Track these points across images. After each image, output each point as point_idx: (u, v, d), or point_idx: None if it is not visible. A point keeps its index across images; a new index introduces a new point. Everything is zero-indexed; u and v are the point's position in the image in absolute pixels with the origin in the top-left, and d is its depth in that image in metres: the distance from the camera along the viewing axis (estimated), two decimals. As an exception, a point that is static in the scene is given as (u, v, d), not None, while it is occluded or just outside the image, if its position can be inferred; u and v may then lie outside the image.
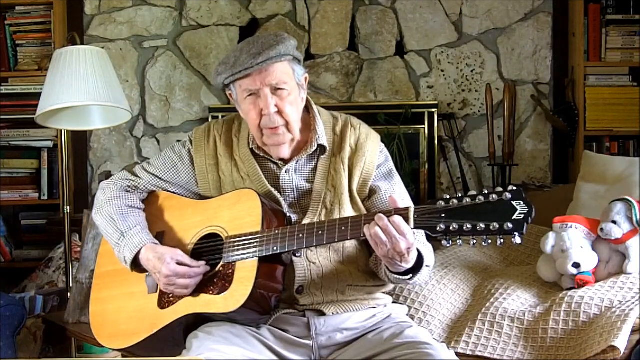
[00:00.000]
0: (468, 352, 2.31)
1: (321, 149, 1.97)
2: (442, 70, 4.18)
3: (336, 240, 1.76)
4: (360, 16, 4.17)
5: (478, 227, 1.59)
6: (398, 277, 1.81)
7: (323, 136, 1.97)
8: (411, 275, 1.81)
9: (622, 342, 2.15)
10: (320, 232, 1.76)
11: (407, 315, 2.10)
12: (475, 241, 1.62)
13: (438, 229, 1.63)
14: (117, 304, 2.01)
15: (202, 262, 1.89)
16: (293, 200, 1.94)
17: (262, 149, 1.97)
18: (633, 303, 2.29)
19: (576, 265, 2.44)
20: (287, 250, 1.79)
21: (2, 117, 3.87)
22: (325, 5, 4.17)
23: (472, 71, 4.17)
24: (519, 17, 4.15)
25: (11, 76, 3.93)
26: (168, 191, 2.06)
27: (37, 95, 2.99)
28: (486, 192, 1.61)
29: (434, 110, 4.08)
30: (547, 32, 4.14)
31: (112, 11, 4.20)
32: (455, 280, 2.57)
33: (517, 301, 2.41)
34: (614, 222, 2.49)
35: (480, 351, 2.30)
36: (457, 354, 2.12)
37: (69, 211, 3.12)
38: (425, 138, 4.08)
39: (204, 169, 2.01)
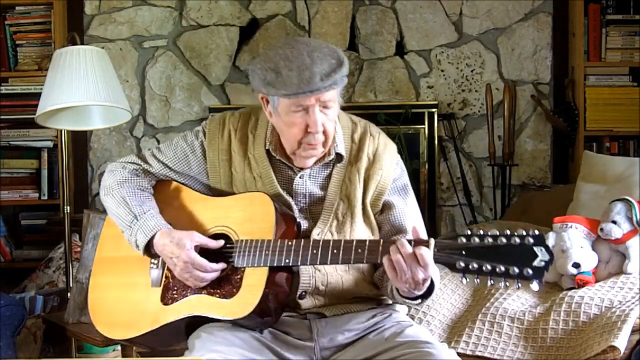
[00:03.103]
0: (468, 352, 2.31)
1: (338, 156, 1.92)
2: (442, 70, 4.18)
3: (351, 262, 1.74)
4: (360, 16, 4.17)
5: (497, 270, 1.58)
6: (407, 300, 1.81)
7: (341, 144, 1.92)
8: (420, 300, 1.80)
9: (622, 342, 2.15)
10: (335, 251, 1.73)
11: (407, 315, 2.10)
12: (492, 282, 1.61)
13: (457, 266, 1.61)
14: (118, 293, 1.97)
15: (222, 242, 1.85)
16: (304, 205, 1.91)
17: (279, 151, 1.91)
18: (633, 303, 2.29)
19: (576, 265, 2.44)
20: (299, 264, 1.77)
21: (2, 117, 3.87)
22: (325, 5, 4.17)
23: (472, 71, 4.17)
24: (519, 17, 4.15)
25: (11, 76, 3.92)
26: (177, 181, 2.01)
27: (37, 95, 2.99)
28: (508, 232, 1.59)
29: (434, 110, 4.08)
30: (547, 32, 4.14)
31: (112, 11, 4.20)
32: (455, 280, 2.57)
33: (517, 301, 2.41)
34: (614, 222, 2.49)
35: (480, 351, 2.31)
36: (457, 354, 2.11)
37: (69, 211, 3.12)
38: (425, 138, 4.08)
39: (215, 163, 1.96)
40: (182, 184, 2.01)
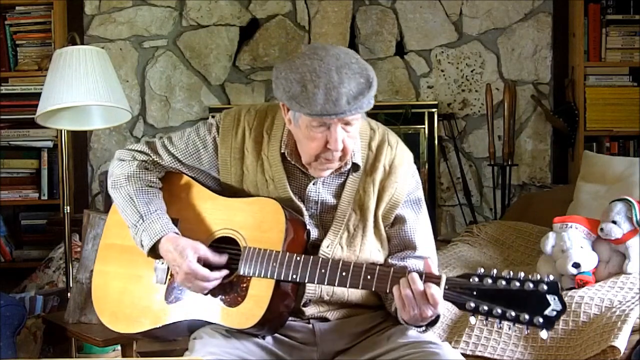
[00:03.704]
0: (468, 352, 2.31)
1: (354, 165, 1.88)
2: (442, 70, 4.18)
3: (359, 287, 1.72)
4: (360, 16, 4.18)
5: (508, 315, 1.56)
6: (412, 327, 1.80)
7: (358, 153, 1.88)
8: (424, 328, 1.80)
9: (622, 342, 2.15)
10: (344, 273, 1.71)
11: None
12: (501, 325, 1.60)
13: (467, 306, 1.59)
14: (122, 283, 1.95)
15: (225, 258, 1.83)
16: (315, 212, 1.88)
17: (294, 156, 1.87)
18: (633, 303, 2.29)
19: (576, 265, 2.44)
20: (306, 281, 1.75)
21: (2, 117, 3.87)
22: (325, 5, 4.17)
23: (472, 71, 4.17)
24: (519, 17, 4.15)
25: (11, 76, 3.93)
26: (186, 175, 1.97)
27: (37, 95, 2.98)
28: (522, 276, 1.57)
29: (434, 110, 4.08)
30: (547, 32, 4.15)
31: (112, 11, 4.20)
32: (455, 280, 2.56)
33: (517, 301, 2.41)
34: (614, 222, 2.49)
35: (480, 351, 2.30)
36: (457, 354, 2.12)
37: (69, 211, 3.11)
38: (425, 138, 4.08)
39: (227, 160, 1.92)
40: (192, 177, 1.98)
